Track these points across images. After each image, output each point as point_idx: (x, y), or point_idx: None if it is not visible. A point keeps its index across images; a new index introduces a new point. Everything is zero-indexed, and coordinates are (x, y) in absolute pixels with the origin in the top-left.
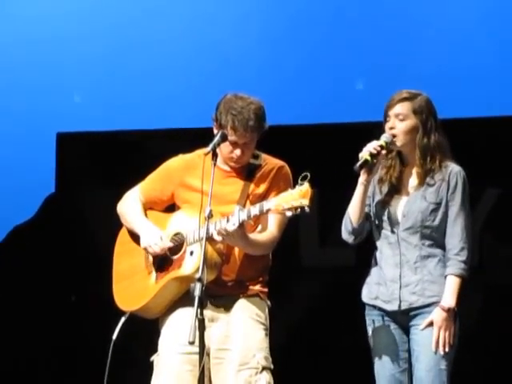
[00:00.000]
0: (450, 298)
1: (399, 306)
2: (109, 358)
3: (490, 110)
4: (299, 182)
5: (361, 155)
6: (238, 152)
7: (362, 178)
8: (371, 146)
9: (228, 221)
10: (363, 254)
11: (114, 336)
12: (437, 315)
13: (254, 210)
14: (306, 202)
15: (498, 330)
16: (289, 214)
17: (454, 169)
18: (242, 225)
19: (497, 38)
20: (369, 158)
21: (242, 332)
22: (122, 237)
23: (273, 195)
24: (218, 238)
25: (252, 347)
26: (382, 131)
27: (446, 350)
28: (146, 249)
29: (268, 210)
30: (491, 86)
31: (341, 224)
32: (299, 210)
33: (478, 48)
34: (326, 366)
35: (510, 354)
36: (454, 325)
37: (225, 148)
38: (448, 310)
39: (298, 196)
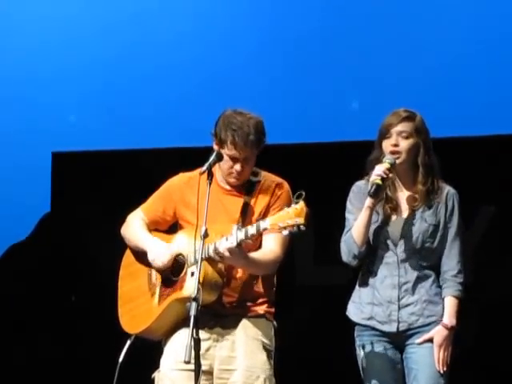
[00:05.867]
0: (452, 317)
1: (397, 327)
2: (115, 380)
3: (481, 129)
4: (294, 200)
5: (371, 181)
6: (238, 167)
7: (369, 201)
8: (380, 171)
9: (227, 240)
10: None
11: (121, 358)
12: (438, 334)
13: (252, 229)
14: (301, 220)
15: (493, 348)
16: (285, 232)
17: (450, 191)
18: (240, 244)
19: (490, 60)
20: (380, 182)
21: (246, 353)
22: (126, 260)
23: (272, 212)
24: (217, 257)
25: (256, 368)
26: (376, 148)
27: (445, 369)
28: (153, 261)
29: (265, 229)
30: (483, 106)
31: (336, 242)
32: (295, 228)
33: (472, 68)
34: None
35: (505, 372)
36: (451, 344)
37: (224, 164)
38: (451, 329)
39: (294, 215)
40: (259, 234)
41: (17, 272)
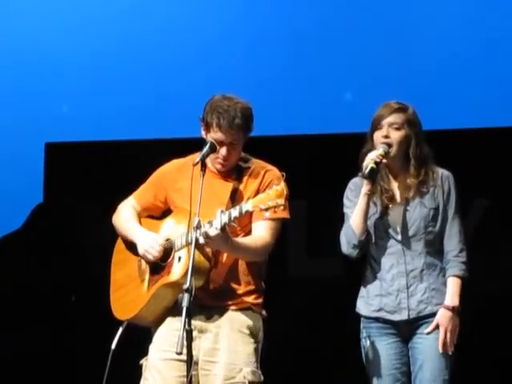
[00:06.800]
0: (454, 298)
1: (408, 315)
2: (107, 366)
3: (476, 122)
4: (275, 182)
5: (365, 164)
6: (223, 151)
7: (366, 188)
8: (374, 155)
9: (211, 225)
10: (352, 265)
11: (113, 345)
12: (442, 316)
13: (235, 212)
14: (281, 201)
15: (485, 340)
16: (267, 214)
17: (443, 173)
18: (224, 228)
19: (485, 52)
20: (374, 165)
21: (229, 346)
22: (118, 246)
23: None
24: (201, 241)
25: (239, 361)
26: (368, 140)
27: (452, 349)
28: (144, 255)
29: (247, 211)
30: (477, 98)
31: (330, 234)
32: (276, 209)
33: (465, 60)
34: (313, 377)
35: (498, 365)
36: (458, 324)
37: None
38: (453, 309)
39: (274, 196)
40: (243, 217)
41: (8, 263)
